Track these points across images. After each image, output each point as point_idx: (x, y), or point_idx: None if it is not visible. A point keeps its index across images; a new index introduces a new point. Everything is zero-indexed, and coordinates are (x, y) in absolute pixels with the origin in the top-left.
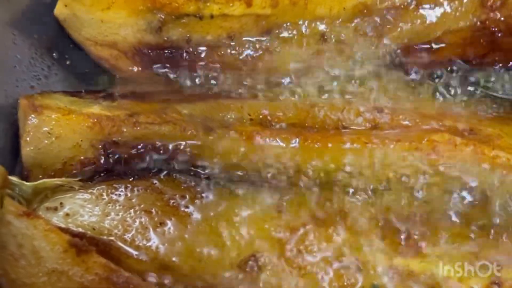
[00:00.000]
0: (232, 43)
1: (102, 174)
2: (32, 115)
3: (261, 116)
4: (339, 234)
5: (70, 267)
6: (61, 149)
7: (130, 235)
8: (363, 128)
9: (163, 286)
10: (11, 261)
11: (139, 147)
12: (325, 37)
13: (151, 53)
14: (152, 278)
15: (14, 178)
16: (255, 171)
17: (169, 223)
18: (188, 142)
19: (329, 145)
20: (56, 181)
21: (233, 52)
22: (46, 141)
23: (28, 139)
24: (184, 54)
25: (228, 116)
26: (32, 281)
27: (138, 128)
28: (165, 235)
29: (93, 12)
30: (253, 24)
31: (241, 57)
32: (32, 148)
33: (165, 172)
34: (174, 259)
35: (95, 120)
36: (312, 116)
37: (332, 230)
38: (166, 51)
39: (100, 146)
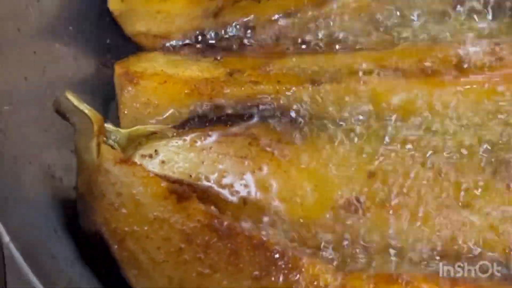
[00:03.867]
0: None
1: (195, 121)
2: (129, 88)
3: (369, 66)
4: (441, 178)
5: (171, 214)
6: (160, 118)
7: (226, 181)
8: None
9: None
10: (110, 210)
11: (242, 106)
12: None
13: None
14: (248, 224)
15: (109, 126)
16: (358, 117)
17: (265, 168)
18: (292, 95)
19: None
20: (150, 127)
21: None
22: (144, 112)
23: (125, 111)
24: (245, 40)
25: (337, 68)
26: (133, 229)
27: (242, 88)
28: (262, 180)
29: (151, 5)
30: None
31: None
32: (130, 118)
33: (258, 118)
34: (273, 203)
35: (194, 85)
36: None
37: (434, 174)
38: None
39: (201, 112)
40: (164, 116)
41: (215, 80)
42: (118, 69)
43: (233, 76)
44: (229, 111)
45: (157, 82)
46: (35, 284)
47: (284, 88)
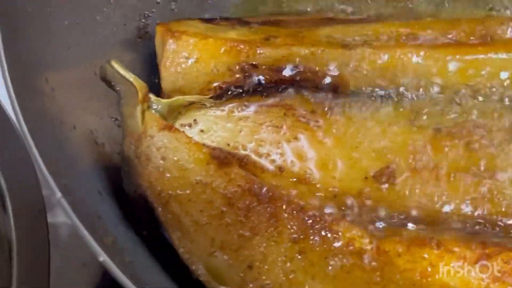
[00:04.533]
0: None
1: (232, 92)
2: (171, 40)
3: (403, 35)
4: (475, 146)
5: (213, 179)
6: (199, 73)
7: (264, 150)
8: None
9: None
10: (155, 174)
11: (278, 68)
12: None
13: None
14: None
15: (151, 95)
16: (392, 86)
17: (301, 137)
18: (326, 62)
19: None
20: (189, 98)
21: None
22: (185, 65)
23: (167, 63)
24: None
25: (369, 36)
26: (177, 193)
27: (277, 49)
28: (298, 149)
29: None
30: None
31: None
32: (171, 72)
33: (293, 88)
34: (308, 172)
35: (233, 44)
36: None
37: (467, 142)
38: None
39: (238, 69)
40: (203, 72)
41: (252, 42)
42: (160, 28)
43: (269, 40)
44: (265, 78)
45: (198, 38)
46: (85, 237)
47: (318, 50)
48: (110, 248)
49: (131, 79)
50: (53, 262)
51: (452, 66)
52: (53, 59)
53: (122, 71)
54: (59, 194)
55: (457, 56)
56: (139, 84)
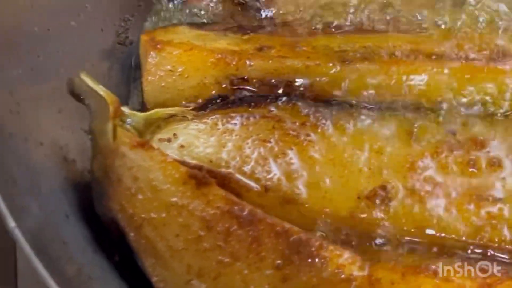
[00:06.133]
0: None
1: (216, 102)
2: (153, 53)
3: (402, 49)
4: (474, 163)
5: (190, 200)
6: (184, 87)
7: (249, 167)
8: None
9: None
10: (127, 195)
11: (268, 82)
12: None
13: None
14: None
15: (125, 109)
16: (387, 99)
17: (290, 153)
18: (321, 74)
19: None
20: (169, 110)
21: None
22: (169, 79)
23: (149, 77)
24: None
25: (368, 49)
26: (150, 216)
27: (270, 61)
28: (287, 166)
29: None
30: None
31: None
32: (154, 86)
33: (283, 98)
34: (297, 191)
35: (220, 55)
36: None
37: (466, 159)
38: None
39: (227, 83)
40: (189, 86)
41: (243, 52)
42: (144, 37)
43: (262, 51)
44: (254, 89)
45: (182, 49)
46: (41, 271)
47: (313, 64)
48: (73, 279)
49: (101, 93)
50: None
51: (454, 83)
52: (18, 70)
53: (91, 84)
54: (12, 224)
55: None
56: (110, 98)
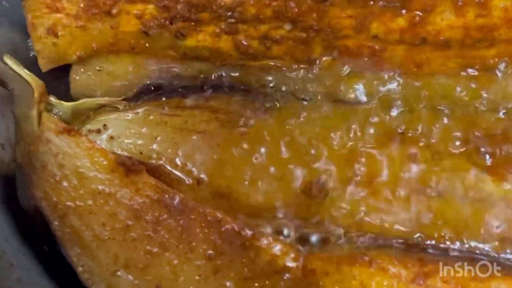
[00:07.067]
0: None
1: (149, 93)
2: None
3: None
4: (419, 157)
5: (118, 188)
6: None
7: (181, 159)
8: None
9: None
10: (52, 183)
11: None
12: None
13: None
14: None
15: (52, 98)
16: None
17: (224, 145)
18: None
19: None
20: (98, 100)
21: None
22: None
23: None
24: None
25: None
26: (75, 204)
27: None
28: (220, 159)
29: None
30: None
31: None
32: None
33: (221, 89)
34: (230, 185)
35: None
36: None
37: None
38: None
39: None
40: None
41: None
42: None
43: None
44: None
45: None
46: None
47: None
48: None
49: (26, 77)
50: None
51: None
52: None
53: (15, 67)
54: None
55: None
56: (36, 83)
